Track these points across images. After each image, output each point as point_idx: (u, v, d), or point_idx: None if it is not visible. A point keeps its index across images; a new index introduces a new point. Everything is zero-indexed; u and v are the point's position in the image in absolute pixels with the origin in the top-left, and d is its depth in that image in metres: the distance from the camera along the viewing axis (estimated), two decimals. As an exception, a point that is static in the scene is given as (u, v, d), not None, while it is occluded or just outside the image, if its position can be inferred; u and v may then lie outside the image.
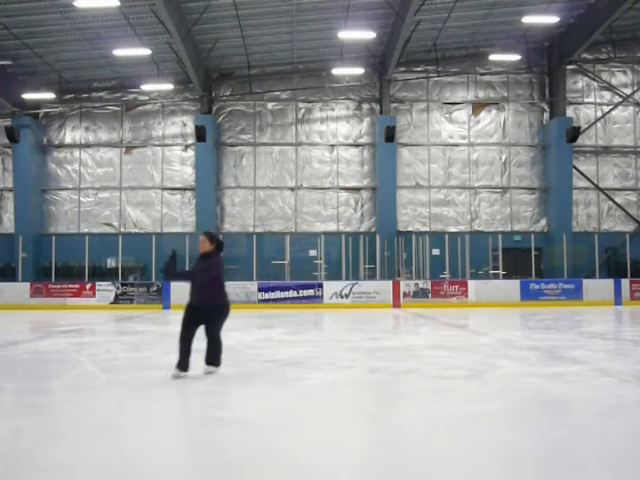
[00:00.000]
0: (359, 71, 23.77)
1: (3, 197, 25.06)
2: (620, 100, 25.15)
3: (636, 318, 16.60)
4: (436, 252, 22.94)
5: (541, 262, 24.01)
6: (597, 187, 25.05)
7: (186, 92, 24.72)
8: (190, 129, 24.58)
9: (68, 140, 25.06)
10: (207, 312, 6.57)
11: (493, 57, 23.26)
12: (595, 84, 25.27)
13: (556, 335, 11.62)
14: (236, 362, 7.90)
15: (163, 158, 24.96)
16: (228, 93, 25.04)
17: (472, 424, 4.64)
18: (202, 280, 6.60)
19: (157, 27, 19.17)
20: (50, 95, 23.35)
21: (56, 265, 22.73)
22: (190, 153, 24.81)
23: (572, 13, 21.85)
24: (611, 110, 25.17)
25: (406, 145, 24.90)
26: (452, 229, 24.63)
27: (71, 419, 4.96)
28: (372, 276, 22.95)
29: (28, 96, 23.07)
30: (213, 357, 6.69)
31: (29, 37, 20.24)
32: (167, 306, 20.80)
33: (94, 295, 21.17)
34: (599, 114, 25.17)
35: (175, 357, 6.51)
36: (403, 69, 24.49)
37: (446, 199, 25.00)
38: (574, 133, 23.63)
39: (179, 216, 24.89)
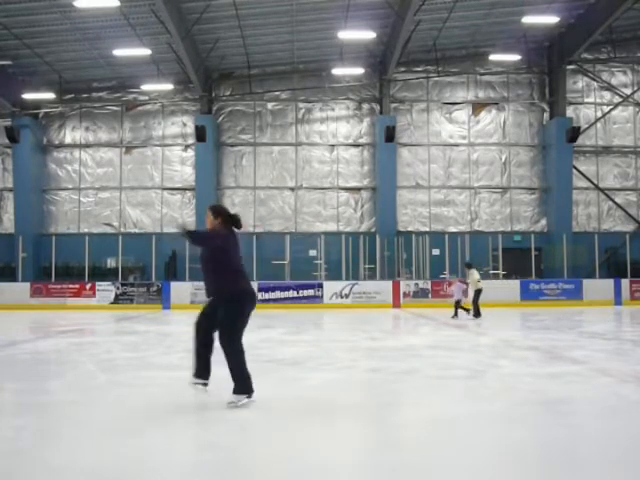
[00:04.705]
0: (359, 71, 23.75)
1: (3, 197, 25.05)
2: (620, 100, 25.14)
3: (636, 318, 16.59)
4: (436, 252, 22.93)
5: (541, 262, 24.00)
6: (597, 187, 25.03)
7: (186, 92, 24.70)
8: (190, 129, 24.57)
9: (68, 140, 25.05)
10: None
11: (493, 57, 23.25)
12: (595, 84, 25.26)
13: (556, 335, 11.61)
14: (236, 362, 7.88)
15: (163, 158, 24.95)
16: (228, 93, 25.03)
17: (472, 424, 4.64)
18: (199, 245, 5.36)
19: (157, 27, 19.16)
20: (50, 95, 23.33)
21: (56, 265, 22.73)
22: (190, 153, 24.80)
23: (572, 13, 21.84)
24: (611, 110, 25.16)
25: (406, 145, 24.89)
26: (452, 229, 24.62)
27: (71, 419, 4.96)
28: (372, 276, 22.94)
29: (28, 96, 23.06)
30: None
31: (29, 37, 20.23)
32: (167, 306, 20.82)
33: (94, 295, 21.17)
34: (599, 114, 25.15)
35: (174, 357, 6.50)
36: (403, 69, 24.47)
37: (446, 199, 24.99)
38: (574, 133, 23.63)
39: (179, 216, 24.86)
